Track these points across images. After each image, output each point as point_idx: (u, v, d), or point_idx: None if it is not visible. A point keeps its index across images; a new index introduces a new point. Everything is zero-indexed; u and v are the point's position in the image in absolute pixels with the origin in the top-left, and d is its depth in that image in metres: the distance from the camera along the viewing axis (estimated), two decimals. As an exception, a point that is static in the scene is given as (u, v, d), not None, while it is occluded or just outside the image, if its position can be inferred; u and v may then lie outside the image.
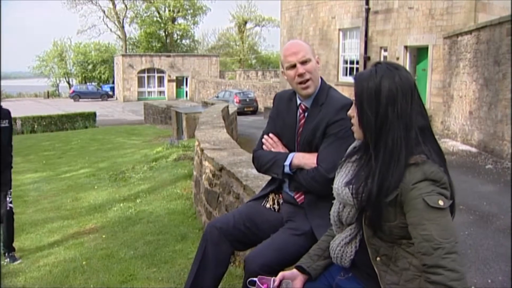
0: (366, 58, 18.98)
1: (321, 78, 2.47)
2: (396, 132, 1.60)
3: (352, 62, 20.32)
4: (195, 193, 6.17)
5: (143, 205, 6.47)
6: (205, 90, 38.59)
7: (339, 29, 20.51)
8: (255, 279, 1.91)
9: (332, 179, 1.88)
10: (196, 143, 6.69)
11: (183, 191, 7.11)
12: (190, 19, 53.45)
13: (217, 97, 29.68)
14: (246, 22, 55.23)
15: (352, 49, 20.25)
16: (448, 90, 14.60)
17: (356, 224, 1.74)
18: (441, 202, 1.52)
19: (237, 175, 4.29)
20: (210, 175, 5.11)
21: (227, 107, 13.35)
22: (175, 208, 6.21)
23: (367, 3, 18.27)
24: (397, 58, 17.42)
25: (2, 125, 4.69)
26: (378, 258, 1.67)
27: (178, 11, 51.67)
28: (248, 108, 28.38)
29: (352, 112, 1.76)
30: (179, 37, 54.35)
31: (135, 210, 6.25)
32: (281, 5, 24.12)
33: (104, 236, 5.14)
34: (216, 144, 6.04)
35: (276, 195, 2.58)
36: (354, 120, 1.74)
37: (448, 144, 13.49)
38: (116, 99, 45.36)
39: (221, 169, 4.79)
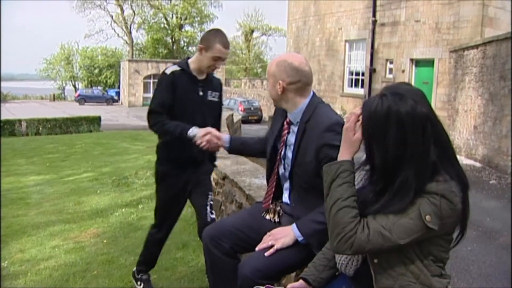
0: (372, 70, 19.04)
1: (313, 92, 2.44)
2: (407, 168, 1.56)
3: (357, 74, 20.38)
4: (198, 201, 6.16)
5: (145, 211, 6.44)
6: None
7: (346, 41, 20.60)
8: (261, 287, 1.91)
9: None
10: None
11: (185, 198, 7.09)
12: (197, 26, 53.73)
13: (222, 105, 29.72)
14: (252, 31, 55.53)
15: (358, 61, 20.32)
16: (453, 104, 14.60)
17: None
18: (428, 218, 1.52)
19: (240, 184, 4.29)
20: (213, 184, 5.11)
21: (232, 115, 13.39)
22: (177, 215, 6.18)
23: (374, 15, 18.36)
24: (403, 71, 17.46)
25: None
26: (375, 260, 1.67)
27: (186, 18, 51.98)
28: (252, 116, 28.45)
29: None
30: (185, 44, 54.61)
31: (137, 216, 6.23)
32: (288, 15, 24.24)
33: (105, 241, 5.12)
34: (219, 153, 6.02)
35: (277, 206, 2.57)
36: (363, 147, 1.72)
37: (452, 158, 13.47)
38: (121, 104, 45.50)
39: (224, 177, 4.79)
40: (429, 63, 16.38)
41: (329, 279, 1.90)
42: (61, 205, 7.09)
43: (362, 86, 19.95)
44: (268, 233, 2.31)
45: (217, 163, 5.18)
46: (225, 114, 13.66)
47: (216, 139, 2.81)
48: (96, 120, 26.49)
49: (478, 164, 12.08)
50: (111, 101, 46.52)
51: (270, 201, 2.56)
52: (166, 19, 51.95)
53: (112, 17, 52.58)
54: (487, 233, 6.05)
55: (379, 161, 1.62)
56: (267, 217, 2.56)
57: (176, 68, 3.12)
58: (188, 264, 4.25)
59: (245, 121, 24.02)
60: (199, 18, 53.09)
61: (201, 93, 3.14)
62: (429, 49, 16.23)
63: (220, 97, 3.30)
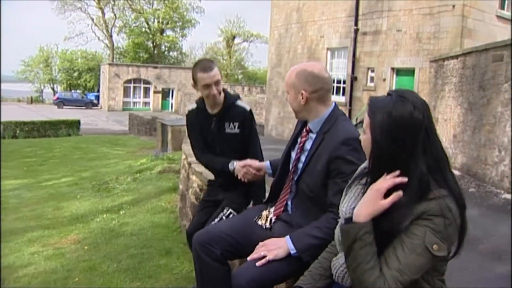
0: (353, 78, 19.16)
1: (335, 104, 2.45)
2: (401, 170, 1.58)
3: (339, 82, 20.48)
4: (181, 207, 6.10)
5: (126, 217, 6.36)
6: (190, 103, 38.16)
7: (327, 48, 20.70)
8: None
9: None
10: (183, 156, 6.63)
11: (167, 204, 7.02)
12: (178, 31, 53.50)
13: (203, 110, 29.58)
14: (234, 37, 55.47)
15: (340, 69, 20.42)
16: (433, 113, 14.66)
17: None
18: (435, 247, 1.52)
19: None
20: (198, 190, 5.05)
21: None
22: (159, 222, 6.11)
23: (356, 24, 18.50)
24: (384, 80, 17.63)
25: None
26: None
27: (167, 23, 51.73)
28: (233, 122, 28.31)
29: (361, 137, 1.76)
30: (166, 48, 54.37)
31: (118, 222, 6.15)
32: (270, 22, 24.31)
33: (86, 247, 5.03)
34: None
35: (270, 213, 2.55)
36: (364, 148, 1.73)
37: (432, 166, 13.62)
38: (101, 108, 45.02)
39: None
40: (410, 72, 16.57)
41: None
42: (40, 210, 6.95)
43: (343, 94, 20.07)
44: (261, 243, 2.27)
45: (201, 169, 5.17)
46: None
47: (254, 170, 2.91)
48: (75, 124, 26.13)
49: (457, 173, 12.24)
50: (91, 105, 45.97)
51: (283, 209, 2.52)
52: (148, 23, 51.62)
53: (92, 20, 52.10)
54: (470, 240, 6.01)
55: (377, 155, 1.63)
56: (259, 222, 2.54)
57: (192, 106, 3.34)
58: (172, 271, 4.19)
59: (226, 127, 23.90)
60: (180, 23, 52.86)
61: (213, 126, 3.18)
62: (410, 59, 16.43)
63: (242, 126, 3.20)
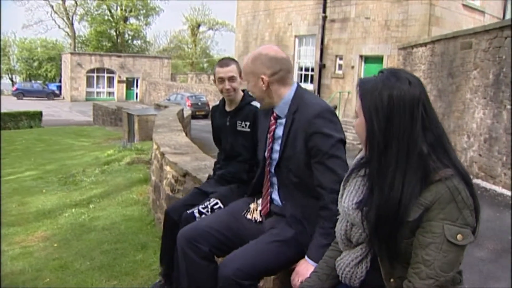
0: (322, 66, 19.18)
1: (297, 84, 2.33)
2: (399, 149, 1.48)
3: (307, 69, 20.48)
4: (154, 199, 5.87)
5: (97, 211, 6.09)
6: (156, 92, 37.88)
7: (295, 36, 20.64)
8: None
9: None
10: (155, 146, 6.39)
11: (139, 196, 6.77)
12: (142, 19, 52.40)
13: (169, 99, 29.16)
14: (199, 25, 54.74)
15: (308, 56, 20.41)
16: (401, 99, 14.90)
17: (366, 244, 1.63)
18: (459, 237, 1.42)
19: (204, 181, 4.06)
20: (173, 181, 4.84)
21: (182, 110, 13.04)
22: (132, 215, 5.87)
23: (324, 11, 18.46)
24: (352, 67, 17.69)
25: None
26: (391, 280, 1.55)
27: (131, 11, 50.50)
28: (199, 112, 27.90)
29: (355, 123, 1.64)
30: (130, 37, 53.21)
31: (88, 216, 5.87)
32: (237, 9, 24.05)
33: (56, 245, 4.75)
34: (177, 148, 5.78)
35: (258, 206, 2.45)
36: (357, 133, 1.62)
37: (401, 153, 13.74)
38: (63, 98, 43.70)
39: (185, 174, 4.54)
40: (378, 59, 16.67)
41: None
42: (3, 207, 6.58)
43: (311, 82, 20.08)
44: (294, 273, 2.13)
45: (175, 159, 4.97)
46: (175, 109, 13.32)
47: None
48: (37, 116, 25.27)
49: (426, 159, 12.38)
50: (52, 95, 44.56)
51: (269, 205, 2.40)
52: (110, 11, 50.29)
53: (52, 7, 50.36)
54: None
55: (373, 137, 1.53)
56: (248, 216, 2.43)
57: (216, 103, 3.51)
58: (150, 268, 3.98)
59: (192, 116, 23.62)
60: (144, 11, 51.73)
61: (228, 124, 3.27)
62: (378, 46, 16.50)
63: (253, 125, 3.18)
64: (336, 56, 18.60)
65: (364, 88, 1.56)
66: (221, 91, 3.20)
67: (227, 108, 3.31)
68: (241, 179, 3.27)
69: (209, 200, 3.10)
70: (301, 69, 20.82)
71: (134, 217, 5.76)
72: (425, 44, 13.03)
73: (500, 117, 9.37)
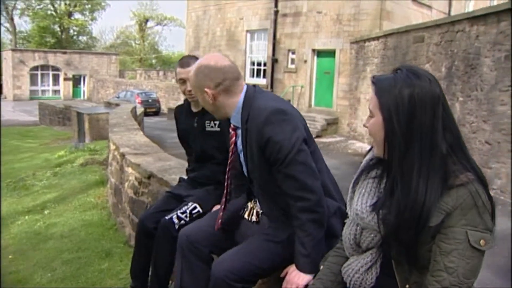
0: (274, 60, 19.15)
1: (246, 86, 2.16)
2: (422, 150, 1.42)
3: (259, 64, 20.42)
4: (115, 203, 5.61)
5: (52, 217, 5.76)
6: (104, 89, 36.86)
7: (247, 31, 20.51)
8: None
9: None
10: (113, 147, 6.12)
11: (97, 199, 6.47)
12: (88, 14, 50.64)
13: (118, 97, 28.46)
14: (147, 20, 53.61)
15: (260, 51, 20.33)
16: (354, 93, 15.09)
17: (377, 249, 1.56)
18: (482, 243, 1.38)
19: (172, 183, 3.88)
20: (136, 183, 4.62)
21: (135, 108, 12.66)
22: (91, 220, 5.59)
23: (276, 5, 18.43)
24: (305, 61, 17.76)
25: None
26: (407, 286, 1.50)
27: (75, 6, 48.65)
28: (150, 109, 27.35)
29: (367, 123, 1.55)
30: (75, 33, 51.39)
31: (44, 223, 5.54)
32: (187, 4, 23.66)
33: (10, 256, 4.43)
34: (137, 149, 5.54)
35: (254, 203, 2.35)
36: (372, 133, 1.54)
37: (356, 146, 13.92)
38: (5, 98, 41.69)
39: (150, 176, 4.34)
40: (331, 53, 16.79)
41: None
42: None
43: (264, 76, 20.04)
44: (285, 282, 2.03)
45: (137, 160, 4.75)
46: (128, 107, 12.92)
47: None
48: (-23, 116, 23.95)
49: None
50: (-8, 95, 42.57)
51: None
52: (53, 6, 48.34)
53: (-11, 1, 47.98)
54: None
55: (393, 138, 1.46)
56: (245, 216, 2.35)
57: (181, 103, 3.34)
58: (117, 276, 3.76)
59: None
60: (89, 6, 50.09)
61: (196, 125, 3.12)
62: (330, 40, 16.62)
63: (223, 124, 2.95)
64: (289, 50, 18.62)
65: (382, 86, 1.49)
66: (184, 93, 3.02)
67: (193, 109, 3.14)
68: (217, 180, 3.12)
69: (187, 205, 2.96)
70: (253, 64, 20.73)
71: (94, 222, 5.48)
72: (377, 38, 13.22)
73: (453, 109, 9.62)
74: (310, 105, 17.65)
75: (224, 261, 2.04)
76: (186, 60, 2.97)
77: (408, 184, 1.42)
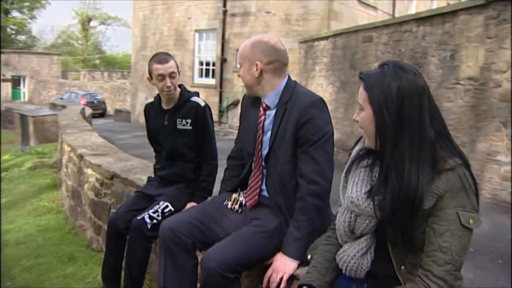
0: (223, 60, 19.10)
1: (288, 76, 2.32)
2: (412, 139, 1.51)
3: (208, 64, 20.30)
4: (73, 206, 5.43)
5: (5, 223, 5.49)
6: (46, 91, 35.57)
7: (195, 30, 20.34)
8: None
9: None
10: (67, 148, 5.93)
11: (51, 203, 6.24)
12: (26, 12, 48.51)
13: (61, 98, 27.59)
14: (90, 20, 52.06)
15: (208, 51, 20.21)
16: (304, 92, 15.29)
17: (371, 235, 1.64)
18: (471, 222, 1.49)
19: (138, 182, 3.82)
20: (97, 184, 4.51)
21: (84, 109, 12.31)
22: (47, 224, 5.38)
23: (224, 5, 18.38)
24: (254, 61, 17.83)
25: None
26: (402, 268, 1.58)
27: (12, 3, 46.58)
28: (96, 110, 26.61)
29: (357, 116, 1.63)
30: (13, 32, 49.15)
31: (-7, 230, 5.28)
32: (133, 3, 23.20)
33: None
34: (95, 149, 5.41)
35: (240, 195, 2.43)
36: (362, 126, 1.62)
37: (308, 144, 14.13)
38: None
39: (113, 177, 4.24)
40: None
41: (332, 282, 1.76)
42: None
43: (213, 76, 19.94)
44: (271, 269, 2.10)
45: (98, 161, 4.63)
46: (77, 108, 12.55)
47: None
48: None
49: (333, 148, 12.84)
50: None
51: (257, 196, 2.35)
52: (-12, 4, 46.15)
53: None
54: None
55: (384, 128, 1.54)
56: (229, 205, 2.40)
57: (150, 100, 3.28)
58: (84, 280, 3.64)
59: (89, 115, 22.56)
60: (28, 3, 48.01)
61: (166, 123, 3.09)
62: (279, 40, 16.76)
63: (195, 123, 3.07)
64: (237, 50, 18.57)
65: (370, 80, 1.57)
66: (161, 90, 2.99)
67: (164, 106, 3.12)
68: (187, 178, 3.10)
69: (158, 204, 2.92)
70: (201, 63, 20.57)
71: (51, 227, 5.29)
72: (326, 38, 13.46)
73: (401, 106, 9.97)
74: (260, 105, 17.74)
75: (216, 253, 2.05)
76: (164, 57, 2.97)
77: (401, 171, 1.50)
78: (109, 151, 5.37)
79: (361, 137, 1.76)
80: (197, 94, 3.18)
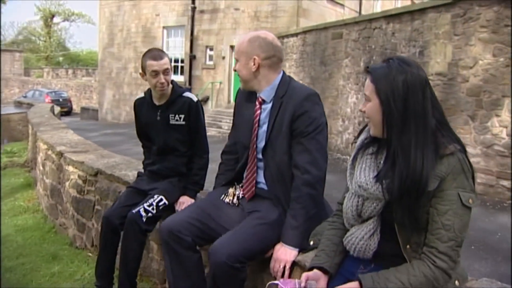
0: (192, 57, 19.06)
1: (283, 71, 2.41)
2: (416, 126, 1.63)
3: (176, 61, 20.20)
4: (52, 204, 5.35)
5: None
6: (8, 89, 34.58)
7: (164, 27, 20.22)
8: (276, 282, 1.86)
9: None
10: (44, 146, 5.84)
11: (27, 203, 6.13)
12: (-15, 8, 47.11)
13: (25, 96, 26.90)
14: (53, 16, 50.77)
15: (177, 48, 20.13)
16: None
17: (377, 217, 1.75)
18: (471, 201, 1.62)
19: (125, 178, 3.81)
20: (80, 182, 4.47)
21: (53, 107, 12.07)
22: (26, 224, 5.29)
23: (193, 2, 18.35)
24: (223, 58, 17.85)
25: None
26: (408, 247, 1.69)
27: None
28: (62, 108, 26.07)
29: (364, 107, 1.74)
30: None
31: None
32: (99, -1, 22.83)
33: None
34: (73, 147, 5.34)
35: (237, 189, 2.50)
36: (369, 116, 1.72)
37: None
38: None
39: (97, 173, 4.21)
40: (249, 50, 16.99)
41: (340, 264, 1.87)
42: None
43: (182, 73, 19.88)
44: (273, 260, 2.20)
45: (80, 158, 4.58)
46: (46, 106, 12.29)
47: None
48: None
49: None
50: None
51: (254, 188, 2.41)
52: None
53: None
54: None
55: (391, 118, 1.65)
56: (226, 200, 2.47)
57: (140, 96, 3.28)
58: (72, 278, 3.61)
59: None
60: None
61: (158, 118, 3.12)
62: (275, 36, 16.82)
63: (188, 118, 3.10)
64: (207, 47, 18.61)
65: (377, 74, 1.68)
66: (154, 86, 3.01)
67: (156, 102, 3.14)
68: (180, 172, 3.14)
69: (152, 197, 2.96)
70: (170, 60, 20.33)
71: (30, 227, 5.21)
72: (296, 35, 13.61)
73: (372, 101, 10.19)
74: (229, 101, 17.76)
75: (223, 246, 2.11)
76: (158, 53, 3.01)
77: (407, 156, 1.62)
78: (89, 148, 5.32)
79: (364, 127, 1.87)
80: (189, 90, 3.24)
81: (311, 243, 2.15)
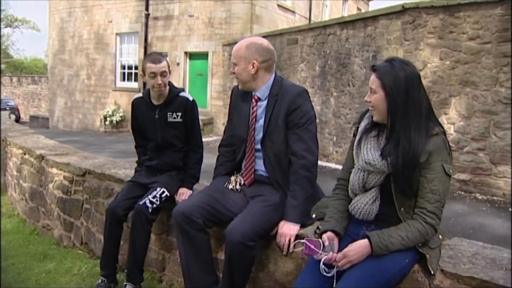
0: (146, 64, 19.01)
1: (275, 72, 2.77)
2: (415, 113, 2.04)
3: (130, 67, 20.12)
4: (32, 207, 5.44)
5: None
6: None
7: (116, 34, 20.09)
8: (302, 240, 2.17)
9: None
10: (19, 151, 5.91)
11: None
12: None
13: (-31, 106, 25.88)
14: (-6, 22, 49.03)
15: (130, 54, 20.04)
16: (228, 93, 15.65)
17: (378, 187, 2.15)
18: (451, 171, 2.06)
19: (117, 176, 4.02)
20: (66, 182, 4.62)
21: (10, 114, 11.87)
22: (4, 228, 5.32)
23: (146, 8, 18.37)
24: (178, 64, 17.97)
25: None
26: (402, 209, 2.10)
27: None
28: (9, 117, 25.45)
29: (369, 98, 2.13)
30: None
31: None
32: (49, 5, 22.39)
33: None
34: (52, 150, 5.48)
35: (238, 177, 2.84)
36: (375, 105, 2.11)
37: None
38: None
39: (85, 173, 4.38)
40: (203, 55, 17.22)
41: (346, 227, 2.24)
42: None
43: (135, 80, 19.81)
44: (279, 235, 2.56)
45: (64, 160, 4.73)
46: (4, 113, 12.05)
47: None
48: None
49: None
50: None
51: (253, 175, 2.77)
52: None
53: None
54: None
55: (395, 106, 2.04)
56: (230, 186, 2.81)
57: (138, 95, 3.55)
58: (70, 273, 3.76)
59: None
60: None
61: (157, 116, 3.38)
62: (203, 43, 17.06)
63: (185, 115, 3.39)
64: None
65: (382, 71, 2.08)
66: (152, 86, 3.29)
67: (155, 102, 3.41)
68: (177, 166, 3.42)
69: (155, 190, 3.23)
70: (123, 67, 20.32)
71: (10, 230, 5.26)
72: (251, 41, 13.97)
73: (328, 103, 10.70)
74: (185, 107, 17.83)
75: (236, 228, 2.44)
76: (157, 57, 3.30)
77: (408, 137, 2.03)
78: (69, 150, 5.46)
79: (364, 114, 2.29)
80: (183, 90, 3.55)
81: (313, 216, 2.55)
